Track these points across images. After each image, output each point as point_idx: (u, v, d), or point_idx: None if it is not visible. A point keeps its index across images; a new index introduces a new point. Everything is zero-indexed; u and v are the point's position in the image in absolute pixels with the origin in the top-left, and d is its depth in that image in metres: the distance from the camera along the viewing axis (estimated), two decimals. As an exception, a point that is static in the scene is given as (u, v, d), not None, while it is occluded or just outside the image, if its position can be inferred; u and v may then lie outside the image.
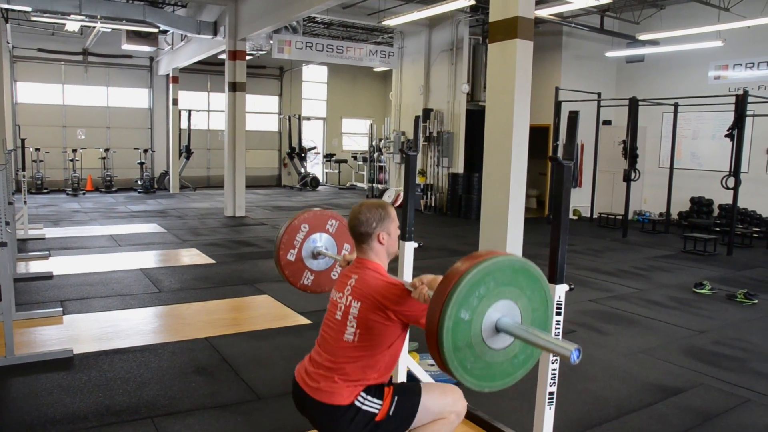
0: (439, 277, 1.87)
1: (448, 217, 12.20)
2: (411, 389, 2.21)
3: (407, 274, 3.14)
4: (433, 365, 3.82)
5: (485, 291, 1.81)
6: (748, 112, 8.94)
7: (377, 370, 2.18)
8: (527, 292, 1.91)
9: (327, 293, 2.53)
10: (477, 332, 1.81)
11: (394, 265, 2.96)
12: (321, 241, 3.07)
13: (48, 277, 6.14)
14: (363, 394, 2.16)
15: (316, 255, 3.07)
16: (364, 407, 2.13)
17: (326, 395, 2.15)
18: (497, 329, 1.85)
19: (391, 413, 2.14)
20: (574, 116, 2.13)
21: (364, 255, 2.32)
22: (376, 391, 2.18)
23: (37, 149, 15.05)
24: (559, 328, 2.11)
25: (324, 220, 3.09)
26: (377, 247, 2.30)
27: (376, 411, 2.14)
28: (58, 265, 6.67)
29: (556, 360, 2.11)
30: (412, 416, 2.16)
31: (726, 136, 8.88)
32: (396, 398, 2.17)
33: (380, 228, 2.28)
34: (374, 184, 15.91)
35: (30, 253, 7.19)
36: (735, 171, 8.80)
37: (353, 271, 2.31)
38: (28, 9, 11.02)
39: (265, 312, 5.26)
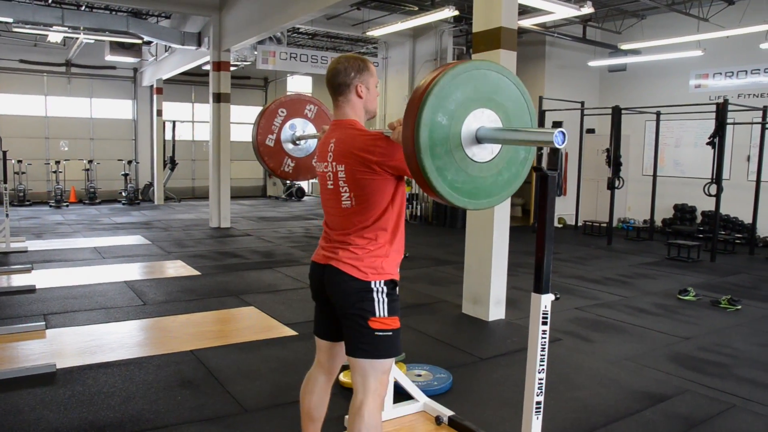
0: None
1: (433, 227, 12.22)
2: (398, 346, 2.23)
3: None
4: (419, 375, 3.81)
5: (463, 96, 1.76)
6: (728, 120, 9.06)
7: (390, 231, 2.18)
8: (507, 102, 1.88)
9: (312, 179, 2.48)
10: (456, 138, 1.76)
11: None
12: (300, 126, 3.04)
13: (30, 290, 6.06)
14: (384, 285, 2.17)
15: (295, 141, 3.03)
16: (376, 298, 2.15)
17: (344, 265, 2.16)
18: (478, 140, 1.81)
19: (377, 332, 2.15)
20: (557, 126, 2.14)
21: (340, 112, 2.26)
22: (394, 302, 2.20)
23: (20, 161, 14.89)
24: (545, 338, 2.11)
25: (302, 105, 3.06)
26: (355, 100, 2.24)
27: (377, 314, 2.14)
28: (41, 278, 6.59)
29: (543, 369, 2.11)
30: (378, 356, 2.17)
31: (708, 143, 8.99)
32: (392, 333, 2.19)
33: (359, 79, 2.22)
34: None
35: (12, 267, 7.10)
36: (717, 178, 8.91)
37: (330, 136, 2.26)
38: (10, 20, 10.95)
39: (251, 324, 5.23)
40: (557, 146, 1.74)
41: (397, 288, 2.26)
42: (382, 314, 2.15)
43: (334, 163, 2.19)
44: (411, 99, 1.76)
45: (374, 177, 2.10)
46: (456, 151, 1.77)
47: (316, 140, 3.05)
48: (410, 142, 1.72)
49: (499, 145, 1.90)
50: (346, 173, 2.14)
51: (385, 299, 2.17)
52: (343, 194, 2.18)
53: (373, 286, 2.15)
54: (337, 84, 2.23)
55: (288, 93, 19.63)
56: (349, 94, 2.23)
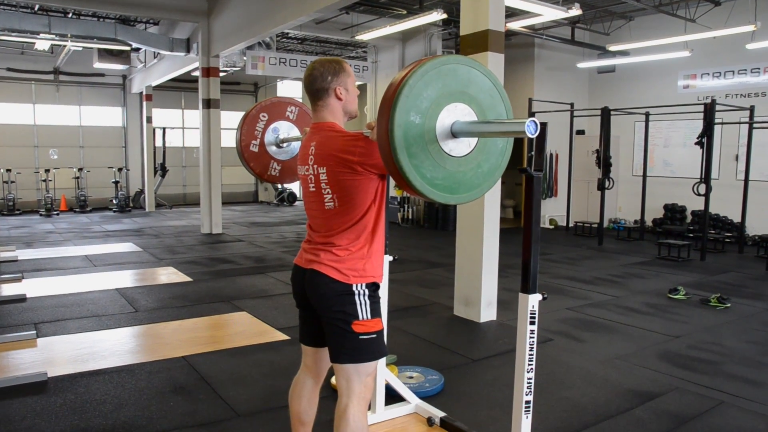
0: None
1: (425, 230, 12.25)
2: (382, 348, 2.25)
3: (383, 289, 3.14)
4: (411, 377, 3.82)
5: (434, 92, 1.77)
6: (716, 120, 9.14)
7: (370, 230, 2.19)
8: (480, 94, 1.89)
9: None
10: (431, 135, 1.77)
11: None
12: (283, 129, 3.07)
13: (21, 299, 5.97)
14: (365, 288, 2.18)
15: (279, 144, 3.06)
16: (358, 301, 2.16)
17: (325, 267, 2.17)
18: (453, 134, 1.82)
19: (361, 336, 2.16)
20: (541, 128, 2.16)
21: (319, 115, 2.27)
22: (376, 304, 2.20)
23: (8, 170, 14.83)
24: (533, 338, 2.13)
25: (283, 108, 3.09)
26: (334, 103, 2.25)
27: (360, 317, 2.15)
28: (32, 287, 6.56)
29: (531, 369, 2.13)
30: (362, 359, 2.17)
31: (696, 143, 9.06)
32: (376, 335, 2.20)
33: (337, 82, 2.23)
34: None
35: (2, 276, 7.05)
36: (705, 178, 8.98)
37: (311, 139, 2.27)
38: (-3, 28, 10.89)
39: (243, 329, 5.23)
40: (530, 136, 1.76)
41: (379, 290, 2.27)
42: (365, 317, 2.16)
43: (315, 166, 2.21)
44: (383, 99, 1.76)
45: (356, 177, 2.10)
46: (432, 147, 1.79)
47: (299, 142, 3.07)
48: (385, 143, 1.73)
49: (476, 138, 1.91)
50: (328, 175, 2.15)
51: (367, 301, 2.18)
52: (325, 196, 2.18)
53: (354, 289, 2.16)
54: (315, 90, 2.23)
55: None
56: (328, 98, 2.24)
